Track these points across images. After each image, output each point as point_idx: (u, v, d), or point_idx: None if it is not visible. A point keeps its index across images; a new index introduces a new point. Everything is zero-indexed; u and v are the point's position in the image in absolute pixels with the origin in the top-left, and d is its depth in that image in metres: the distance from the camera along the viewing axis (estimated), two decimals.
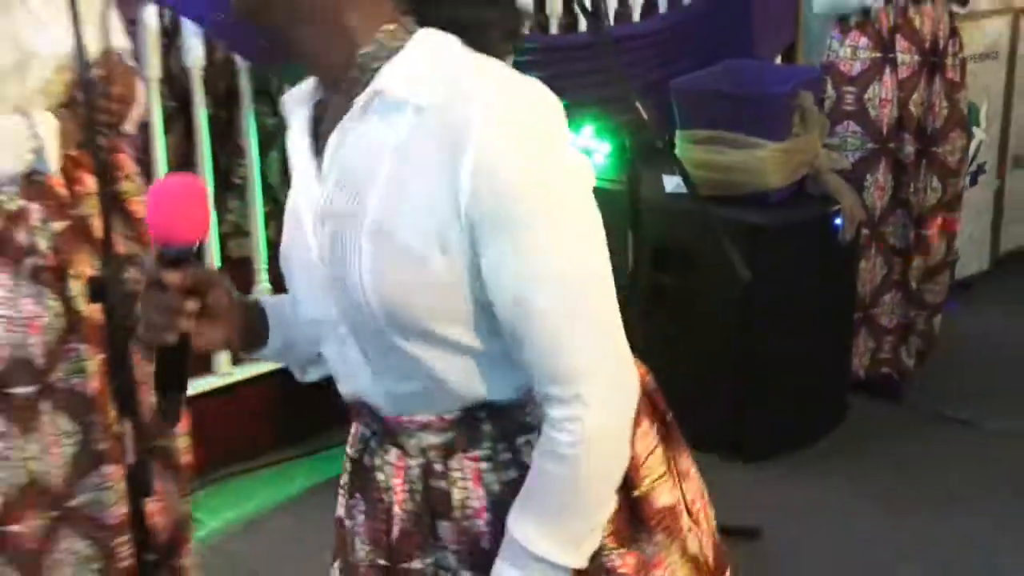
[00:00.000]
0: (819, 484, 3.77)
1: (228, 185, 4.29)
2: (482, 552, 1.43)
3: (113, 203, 2.42)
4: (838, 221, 3.93)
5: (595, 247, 1.34)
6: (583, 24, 4.69)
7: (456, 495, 1.44)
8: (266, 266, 3.90)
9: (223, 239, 3.97)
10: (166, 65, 3.80)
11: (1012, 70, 5.38)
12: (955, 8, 4.24)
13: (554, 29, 4.68)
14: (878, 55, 4.14)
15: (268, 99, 4.16)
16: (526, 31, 1.41)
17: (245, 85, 3.89)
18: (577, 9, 4.46)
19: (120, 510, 2.48)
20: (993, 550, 3.39)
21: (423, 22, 1.36)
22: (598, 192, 1.36)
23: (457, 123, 1.27)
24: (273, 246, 3.91)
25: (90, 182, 2.45)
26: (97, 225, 2.44)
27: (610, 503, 1.41)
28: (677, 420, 1.61)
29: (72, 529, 2.48)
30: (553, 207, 1.30)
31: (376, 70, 1.33)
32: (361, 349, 1.42)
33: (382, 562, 1.51)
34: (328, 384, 1.54)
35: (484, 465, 1.44)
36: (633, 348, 1.40)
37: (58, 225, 2.41)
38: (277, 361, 1.63)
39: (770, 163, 3.83)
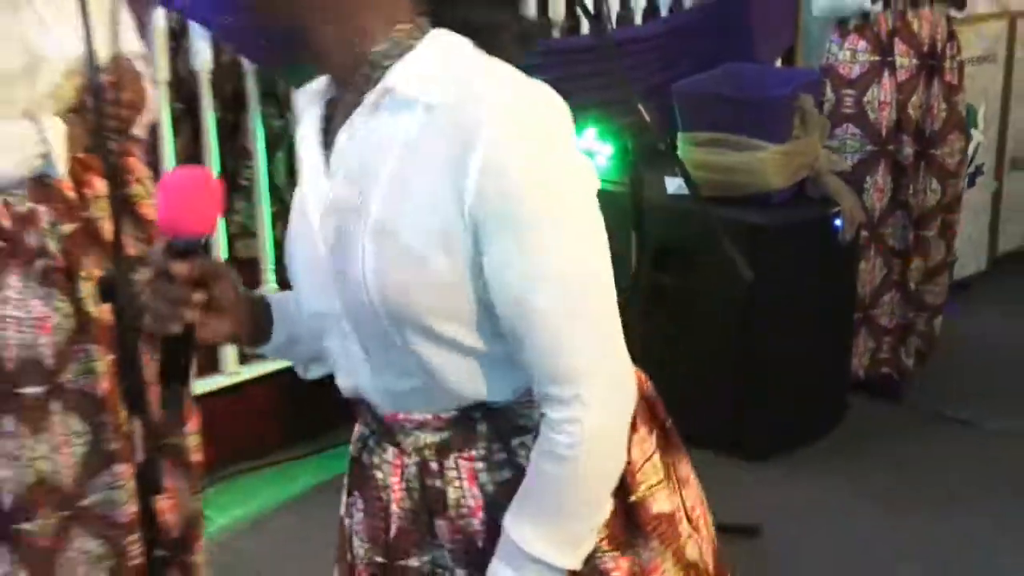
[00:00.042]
0: (819, 483, 3.76)
1: (235, 186, 4.29)
2: (477, 551, 1.43)
3: (123, 206, 2.42)
4: (838, 222, 3.93)
5: (597, 250, 1.34)
6: (585, 27, 4.69)
7: (451, 494, 1.44)
8: (273, 267, 3.90)
9: (230, 240, 3.97)
10: (174, 68, 3.80)
11: (1009, 73, 5.39)
12: (952, 12, 4.23)
13: (556, 32, 4.68)
14: (877, 58, 4.14)
15: (275, 101, 4.16)
16: (539, 38, 1.41)
17: (252, 88, 3.89)
18: (580, 12, 4.45)
19: (131, 509, 2.47)
20: (993, 549, 3.38)
21: (438, 24, 1.37)
22: (601, 193, 1.36)
23: (467, 123, 1.27)
24: (279, 247, 3.92)
25: (99, 185, 2.44)
26: (106, 228, 2.43)
27: (606, 506, 1.41)
28: (678, 418, 1.60)
29: (84, 528, 2.47)
30: (557, 208, 1.30)
31: (388, 68, 1.33)
32: (362, 344, 1.42)
33: (380, 560, 1.51)
34: (333, 383, 1.54)
35: (479, 465, 1.43)
36: (634, 348, 1.40)
37: (67, 227, 2.40)
38: (280, 357, 1.62)
39: (771, 165, 3.83)
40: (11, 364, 2.37)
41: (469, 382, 1.39)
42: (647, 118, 3.05)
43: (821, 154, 3.99)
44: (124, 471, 2.46)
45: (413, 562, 1.47)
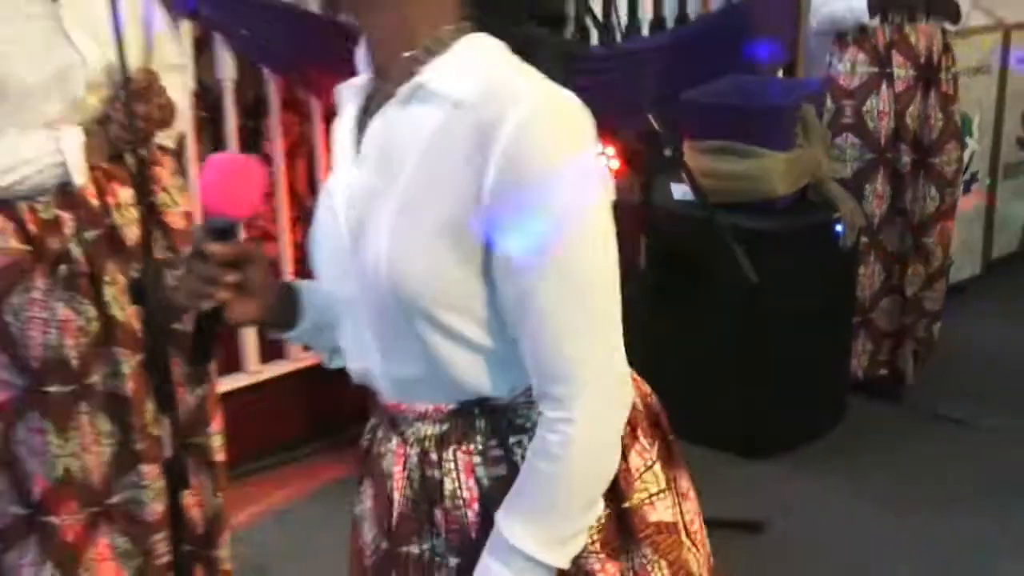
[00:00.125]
0: (819, 480, 3.75)
1: None
2: (471, 541, 1.42)
3: (149, 214, 2.42)
4: (839, 228, 3.92)
5: (605, 254, 1.33)
6: (594, 37, 4.68)
7: (448, 485, 1.43)
8: (293, 271, 3.90)
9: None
10: (197, 76, 3.79)
11: (1003, 84, 5.40)
12: (947, 25, 4.23)
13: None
14: (875, 70, 4.16)
15: (296, 108, 4.15)
16: (575, 58, 1.42)
17: (273, 95, 3.89)
18: (590, 22, 4.45)
19: (157, 508, 2.47)
20: (989, 546, 3.36)
21: (480, 30, 1.38)
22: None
23: (492, 119, 1.27)
24: (299, 251, 3.92)
25: (122, 194, 2.44)
26: (129, 235, 2.43)
27: (596, 507, 1.40)
28: (684, 417, 1.59)
29: (111, 525, 2.47)
30: (572, 207, 1.29)
31: (424, 64, 1.35)
32: (373, 329, 1.42)
33: (384, 545, 1.51)
34: (351, 380, 1.54)
35: (476, 459, 1.42)
36: (641, 349, 1.39)
37: (91, 234, 2.40)
38: (306, 343, 1.63)
39: (775, 172, 3.83)
40: (37, 363, 2.38)
41: (471, 375, 1.38)
42: (656, 126, 3.05)
43: (823, 162, 3.99)
44: (149, 471, 2.47)
45: (413, 549, 1.47)
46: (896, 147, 4.17)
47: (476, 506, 1.42)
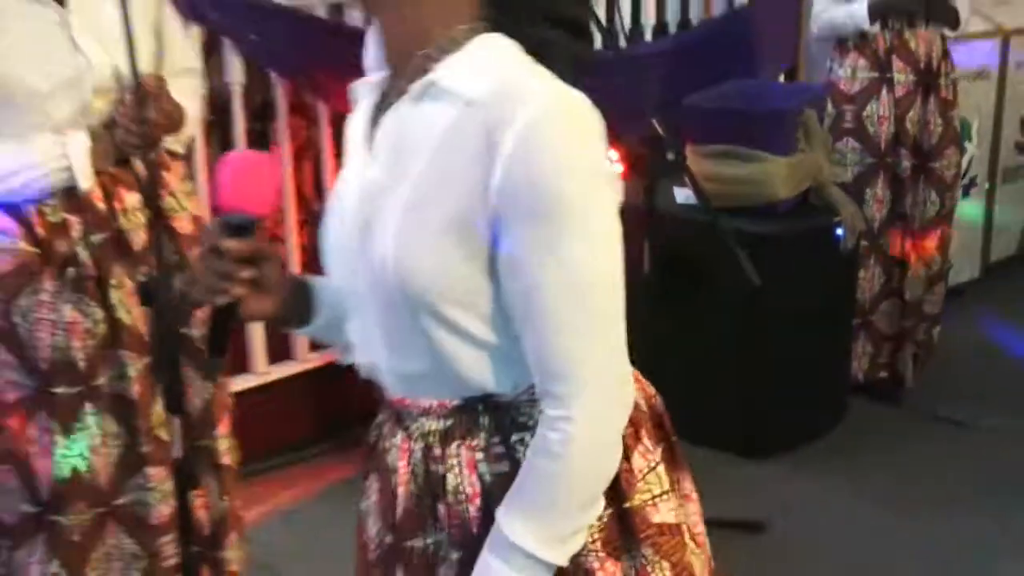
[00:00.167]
0: (820, 480, 3.74)
1: None
2: (472, 537, 1.41)
3: (156, 219, 2.41)
4: (839, 231, 3.92)
5: (610, 255, 1.32)
6: (598, 41, 4.67)
7: (451, 480, 1.42)
8: (300, 274, 3.88)
9: None
10: (206, 80, 3.78)
11: (1002, 89, 5.39)
12: (947, 31, 4.22)
13: None
14: (875, 75, 4.15)
15: (303, 112, 4.15)
16: (589, 61, 1.41)
17: (280, 98, 3.88)
18: (593, 27, 4.43)
19: (164, 510, 2.46)
20: (991, 548, 3.34)
21: (496, 30, 1.37)
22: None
23: (503, 118, 1.27)
24: (307, 253, 3.91)
25: (129, 199, 2.42)
26: (135, 239, 2.42)
27: (596, 505, 1.39)
28: (686, 417, 1.58)
29: (118, 526, 2.45)
30: (579, 207, 1.28)
31: (437, 61, 1.35)
32: (380, 324, 1.41)
33: (389, 539, 1.50)
34: (359, 381, 1.53)
35: (479, 455, 1.42)
36: (644, 350, 1.38)
37: (98, 237, 2.38)
38: (320, 338, 1.63)
39: (777, 176, 3.82)
40: (45, 364, 2.36)
41: (475, 371, 1.38)
42: (659, 130, 3.04)
43: (824, 166, 3.98)
44: (155, 474, 2.45)
45: (417, 543, 1.47)
46: (896, 151, 4.15)
47: (478, 501, 1.42)
